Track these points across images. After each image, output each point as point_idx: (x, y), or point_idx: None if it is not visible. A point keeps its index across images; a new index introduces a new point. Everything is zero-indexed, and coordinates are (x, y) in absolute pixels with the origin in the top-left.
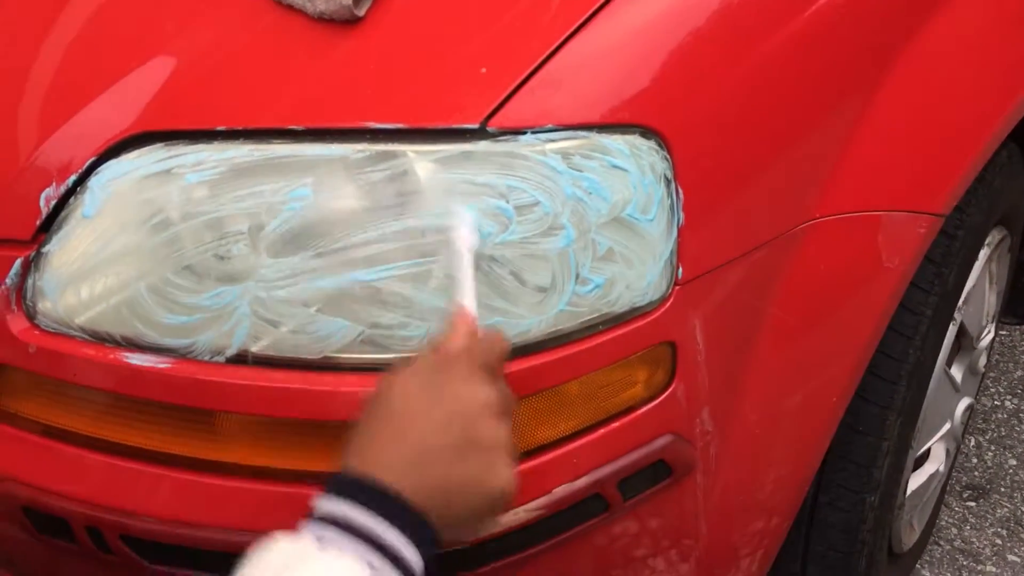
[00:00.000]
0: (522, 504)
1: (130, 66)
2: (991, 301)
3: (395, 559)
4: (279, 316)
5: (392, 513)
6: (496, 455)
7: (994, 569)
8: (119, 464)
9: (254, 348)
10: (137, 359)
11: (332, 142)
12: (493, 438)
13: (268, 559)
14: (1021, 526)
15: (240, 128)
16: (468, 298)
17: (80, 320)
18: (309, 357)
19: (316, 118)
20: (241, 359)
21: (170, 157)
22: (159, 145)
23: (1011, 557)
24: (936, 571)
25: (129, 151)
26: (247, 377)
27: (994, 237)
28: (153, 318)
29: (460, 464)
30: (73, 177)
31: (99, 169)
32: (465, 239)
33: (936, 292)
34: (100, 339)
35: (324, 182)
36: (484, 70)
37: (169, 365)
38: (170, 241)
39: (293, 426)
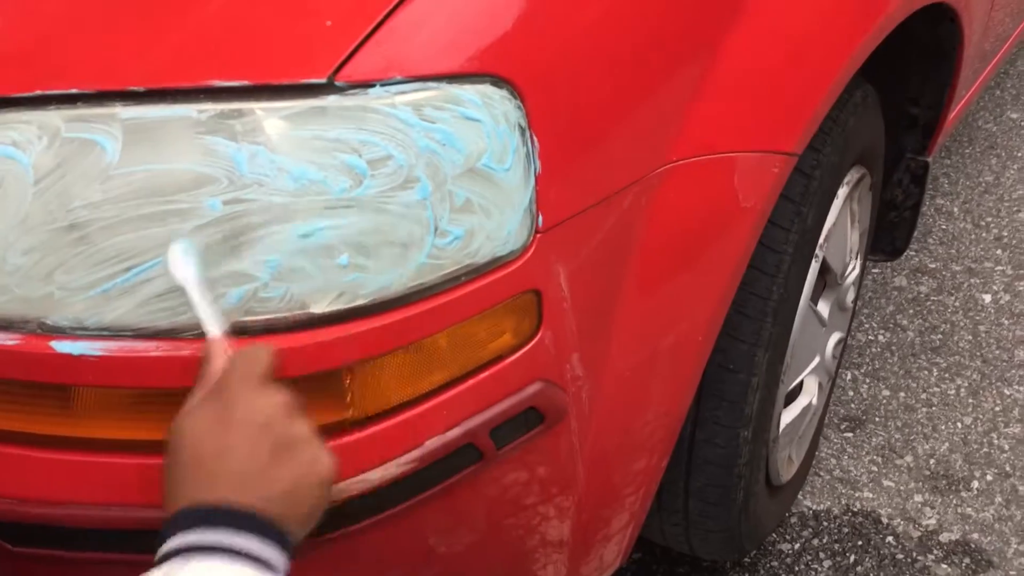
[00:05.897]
0: (394, 458)
1: None
2: (854, 239)
3: (261, 563)
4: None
5: (244, 525)
6: (309, 447)
7: (871, 495)
8: None
9: (108, 320)
10: None
11: (175, 103)
12: (298, 434)
13: None
14: (895, 452)
15: (78, 92)
16: (211, 324)
17: None
18: (162, 325)
19: (157, 78)
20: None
21: (3, 124)
22: None
23: (886, 483)
24: (817, 500)
25: None
26: (101, 349)
27: (852, 176)
28: None
29: (285, 469)
30: None
31: None
32: (181, 272)
33: (796, 230)
34: None
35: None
36: (329, 23)
37: (17, 342)
38: (17, 216)
39: (151, 396)
